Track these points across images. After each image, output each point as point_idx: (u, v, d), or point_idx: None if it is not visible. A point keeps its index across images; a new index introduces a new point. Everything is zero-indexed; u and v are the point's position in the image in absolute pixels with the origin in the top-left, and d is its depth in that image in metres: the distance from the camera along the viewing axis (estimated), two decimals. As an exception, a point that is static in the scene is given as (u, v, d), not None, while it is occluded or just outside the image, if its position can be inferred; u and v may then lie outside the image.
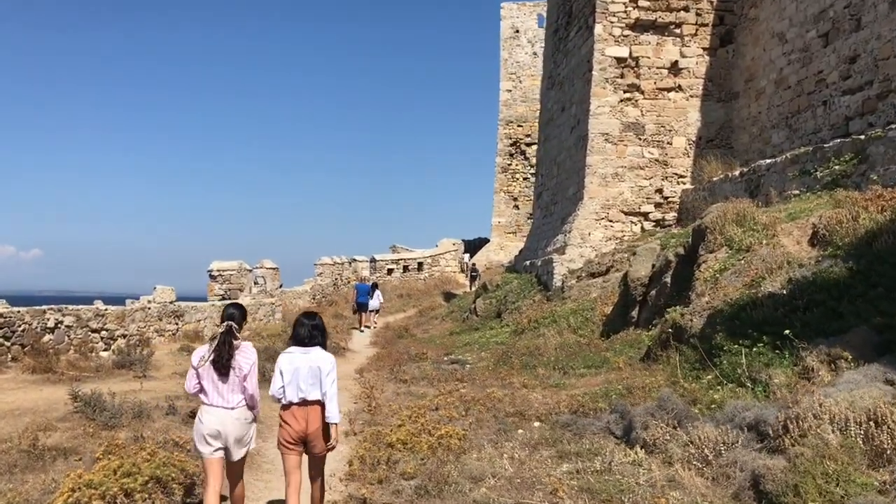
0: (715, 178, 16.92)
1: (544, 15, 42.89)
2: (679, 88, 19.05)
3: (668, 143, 19.03)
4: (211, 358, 5.11)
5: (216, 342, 5.16)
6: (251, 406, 5.24)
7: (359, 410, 10.22)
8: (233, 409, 5.12)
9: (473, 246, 46.14)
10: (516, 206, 41.96)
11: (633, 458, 6.82)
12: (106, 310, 15.15)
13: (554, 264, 18.39)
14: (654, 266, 14.20)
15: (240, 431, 5.17)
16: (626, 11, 18.95)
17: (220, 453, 5.15)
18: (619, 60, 18.97)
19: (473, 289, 39.34)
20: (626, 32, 18.98)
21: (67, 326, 13.92)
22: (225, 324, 5.23)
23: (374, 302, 24.19)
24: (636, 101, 18.99)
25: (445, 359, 15.46)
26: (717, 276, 11.12)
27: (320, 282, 31.00)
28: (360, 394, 11.17)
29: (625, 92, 18.98)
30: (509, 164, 42.17)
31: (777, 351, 8.07)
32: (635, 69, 19.00)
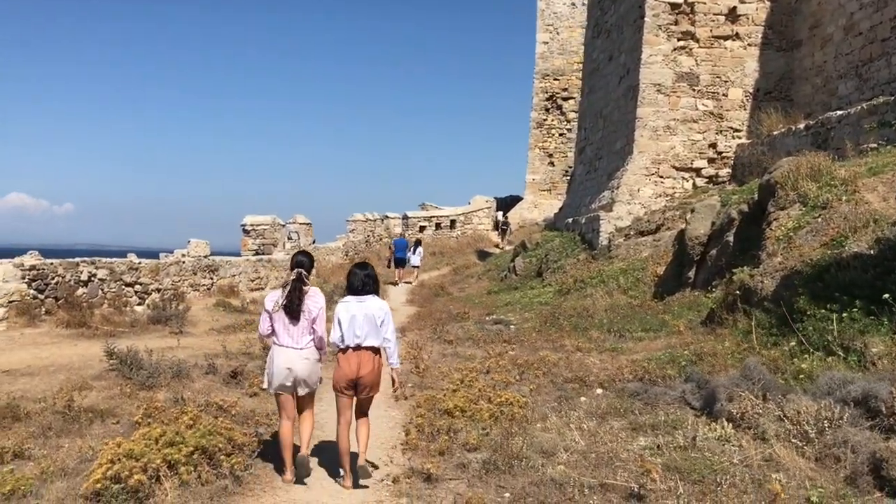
0: (776, 132, 15.92)
1: (584, -37, 41.38)
2: (736, 36, 17.92)
3: (723, 94, 17.98)
4: (283, 303, 5.44)
5: (288, 288, 5.47)
6: (319, 347, 5.61)
7: (406, 372, 9.68)
8: (302, 349, 5.48)
9: (506, 204, 45.24)
10: (551, 163, 40.92)
11: (719, 432, 6.15)
12: (139, 263, 14.74)
13: (601, 222, 17.60)
14: (713, 224, 13.37)
15: (307, 370, 5.53)
16: (682, -47, 17.76)
17: (291, 389, 5.55)
18: (674, 6, 17.85)
19: (504, 242, 38.76)
20: (682, -25, 17.80)
21: (101, 280, 13.53)
22: (296, 271, 5.55)
23: (416, 258, 24.17)
24: (690, 49, 17.91)
25: (488, 319, 14.85)
26: (791, 234, 10.28)
27: (353, 238, 30.50)
28: (406, 354, 10.63)
29: (678, 40, 17.90)
30: (545, 119, 40.99)
31: (872, 317, 7.32)
32: (690, 16, 17.88)
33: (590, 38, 23.74)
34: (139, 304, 14.46)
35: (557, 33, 41.37)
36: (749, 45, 17.92)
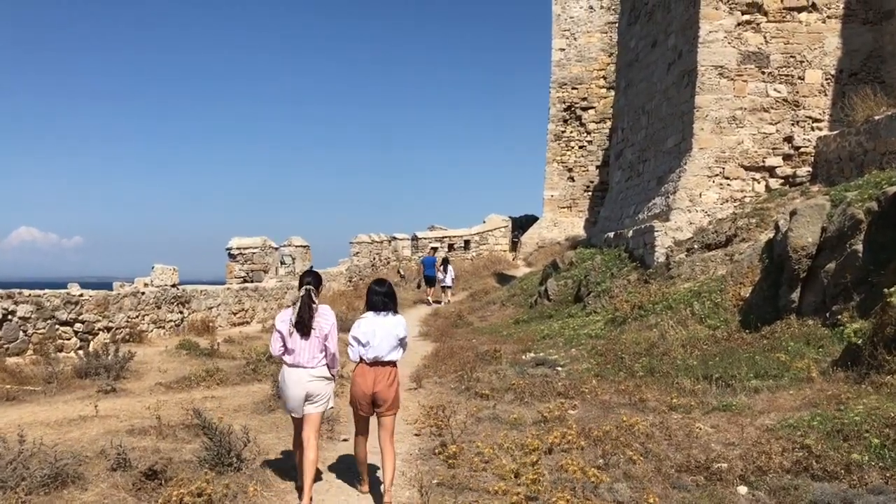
0: (878, 117, 12.71)
1: (601, -36, 38.58)
2: (813, 7, 14.80)
3: (799, 77, 14.82)
4: (294, 319, 5.42)
5: (298, 304, 5.48)
6: (331, 365, 5.56)
7: (427, 454, 6.46)
8: (313, 367, 5.46)
9: (521, 224, 42.12)
10: (571, 178, 37.70)
11: None
12: (81, 295, 11.55)
13: (655, 234, 14.39)
14: (823, 230, 10.14)
15: (318, 389, 5.48)
16: None
17: (303, 409, 5.45)
18: (737, -28, 14.77)
19: (515, 254, 35.52)
20: (745, -64, 14.75)
21: (22, 318, 10.35)
22: (304, 288, 5.55)
23: (448, 279, 23.37)
24: (758, 24, 14.80)
25: (526, 358, 11.62)
26: (984, 237, 7.10)
27: (357, 262, 27.34)
28: (424, 422, 7.40)
29: (743, 14, 14.80)
30: (563, 131, 37.86)
31: None
32: (756, -16, 14.78)
33: (625, 26, 20.69)
34: (80, 348, 11.29)
35: (575, 39, 38.44)
36: (829, 17, 14.78)
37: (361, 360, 5.51)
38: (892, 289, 7.59)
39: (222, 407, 8.06)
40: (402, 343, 5.67)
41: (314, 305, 5.51)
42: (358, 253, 27.64)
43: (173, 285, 14.25)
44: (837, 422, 6.11)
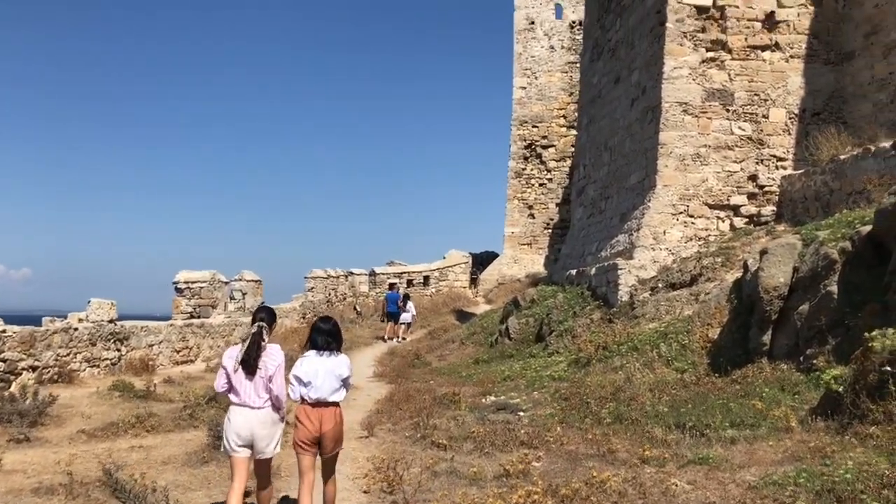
0: (844, 156, 12.55)
1: (563, 5, 38.90)
2: (776, 47, 14.75)
3: (763, 116, 14.69)
4: (241, 357, 5.21)
5: (248, 341, 5.26)
6: (277, 407, 5.33)
7: (374, 515, 5.75)
8: (259, 408, 5.23)
9: (481, 260, 41.71)
10: (531, 215, 37.51)
11: None
12: (3, 331, 10.59)
13: (619, 272, 13.96)
14: (795, 270, 9.78)
15: (265, 431, 5.25)
16: (707, -52, 14.68)
17: (246, 452, 5.25)
18: (700, 10, 14.67)
19: (474, 290, 35.00)
20: (709, -26, 14.69)
21: (-68, 357, 9.37)
22: (257, 324, 5.34)
23: (407, 315, 22.84)
24: (722, 62, 14.67)
25: (486, 401, 10.97)
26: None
27: (311, 297, 26.46)
28: (374, 477, 6.68)
29: (707, 51, 14.67)
30: (524, 169, 37.76)
31: None
32: (720, 21, 14.71)
33: (587, 62, 20.56)
34: (2, 389, 10.30)
35: (536, 78, 38.62)
36: (792, 56, 14.74)
37: (304, 400, 5.38)
38: (873, 333, 7.17)
39: (149, 459, 7.24)
40: (346, 383, 5.56)
41: (263, 343, 5.33)
42: (313, 288, 26.79)
43: (111, 321, 13.31)
44: (827, 479, 5.59)
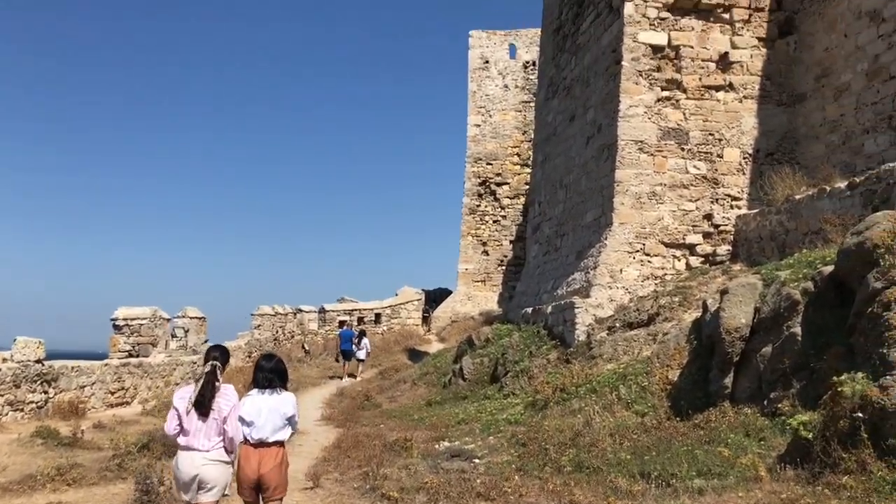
0: (799, 196, 12.55)
1: (517, 45, 39.34)
2: (730, 87, 14.84)
3: (717, 155, 14.70)
4: (194, 398, 5.08)
5: (201, 382, 5.16)
6: (229, 450, 5.19)
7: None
8: (207, 451, 5.08)
9: (434, 297, 41.33)
10: (485, 252, 37.32)
11: None
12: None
13: (576, 310, 13.66)
14: (758, 310, 9.57)
15: (212, 474, 5.11)
16: (662, -12, 14.78)
17: (199, 497, 5.10)
18: (656, 49, 14.71)
19: (427, 328, 34.52)
20: (664, 15, 14.78)
21: None
22: (210, 363, 5.25)
23: (362, 353, 22.31)
24: (677, 101, 14.69)
25: (440, 447, 10.43)
26: (940, 321, 6.54)
27: (258, 335, 25.57)
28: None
29: (662, 90, 14.68)
30: (478, 206, 37.68)
31: None
32: (675, 61, 14.76)
33: (542, 100, 20.53)
34: None
35: (490, 116, 38.79)
36: (745, 97, 14.85)
37: (246, 441, 5.27)
38: (842, 377, 6.92)
39: (67, 517, 6.52)
40: (292, 422, 5.44)
41: (218, 384, 5.21)
42: (260, 326, 25.93)
43: (38, 361, 12.42)
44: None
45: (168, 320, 19.76)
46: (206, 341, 20.46)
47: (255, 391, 5.42)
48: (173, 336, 19.22)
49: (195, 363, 18.13)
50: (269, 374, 5.47)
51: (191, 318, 20.31)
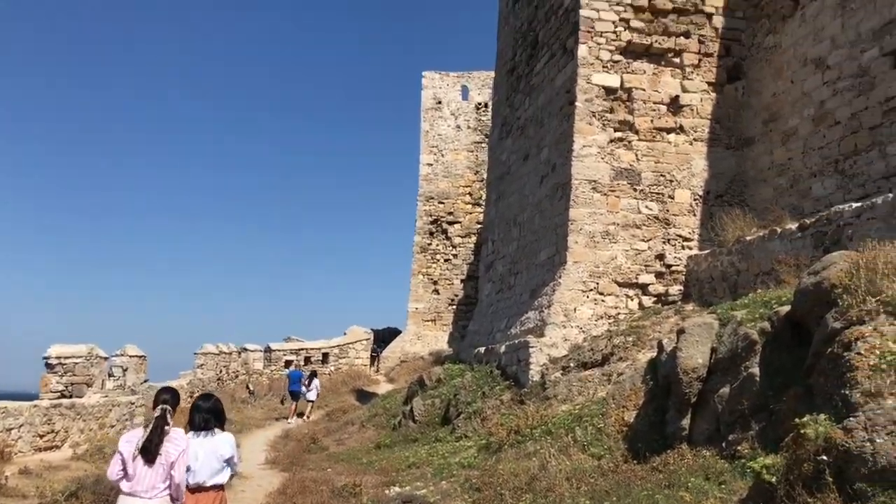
0: (750, 238, 12.67)
1: (469, 87, 39.79)
2: (681, 130, 15.05)
3: (669, 196, 14.83)
4: (141, 444, 4.92)
5: (150, 426, 5.01)
6: (175, 497, 5.06)
7: None
8: (150, 499, 4.95)
9: (383, 337, 40.85)
10: (436, 291, 37.12)
11: None
12: None
13: (530, 350, 13.46)
14: (714, 350, 9.49)
15: None
16: (615, 32, 15.01)
17: None
18: (609, 91, 14.86)
19: (374, 368, 34.02)
20: (617, 58, 14.98)
21: None
22: (160, 407, 5.11)
23: (312, 393, 22.24)
24: (629, 142, 14.82)
25: (390, 493, 10.00)
26: (900, 362, 6.48)
27: (201, 375, 24.68)
28: None
29: (615, 130, 14.79)
30: (429, 244, 37.57)
31: None
32: (627, 103, 14.92)
33: (496, 139, 20.58)
34: None
35: (442, 155, 38.99)
36: (695, 139, 15.07)
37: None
38: (804, 419, 6.80)
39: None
40: (230, 464, 5.35)
41: (167, 428, 5.04)
42: (203, 365, 25.05)
43: (-41, 401, 11.59)
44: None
45: (106, 359, 18.88)
46: (145, 381, 19.62)
47: (190, 433, 5.27)
48: (110, 375, 18.35)
49: (133, 404, 17.30)
50: (207, 414, 5.36)
51: (130, 356, 19.46)
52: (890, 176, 11.75)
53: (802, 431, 6.69)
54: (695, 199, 14.92)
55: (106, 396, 17.42)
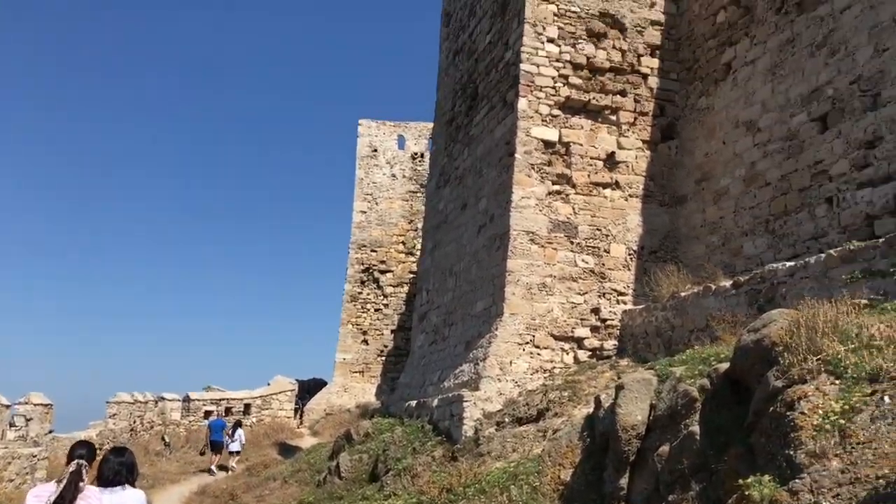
0: (684, 294, 12.72)
1: (405, 136, 39.87)
2: (616, 185, 15.20)
3: (605, 250, 14.86)
4: (53, 500, 4.72)
5: (63, 482, 4.80)
6: None
7: None
8: None
9: (308, 388, 39.67)
10: (365, 342, 36.36)
11: None
12: None
13: (464, 404, 13.07)
14: (653, 407, 9.32)
15: None
16: (555, 87, 15.16)
17: None
18: (548, 144, 14.93)
19: (298, 421, 32.97)
20: (556, 112, 15.10)
21: None
22: (75, 462, 4.93)
23: (236, 444, 21.93)
24: (567, 195, 14.86)
25: (314, 557, 9.35)
26: (844, 422, 6.39)
27: (113, 425, 23.24)
28: None
29: (553, 183, 14.82)
30: (360, 293, 36.94)
31: None
32: (565, 157, 15.01)
33: (433, 188, 20.43)
34: None
35: (376, 203, 38.71)
36: (631, 195, 15.23)
37: None
38: (749, 480, 6.61)
39: None
40: None
41: (82, 485, 4.87)
42: (116, 414, 23.62)
43: None
44: None
45: (8, 407, 17.52)
46: (50, 431, 18.28)
47: (97, 489, 5.02)
48: (12, 425, 17.02)
49: (35, 456, 16.04)
50: (118, 466, 5.16)
51: (35, 405, 18.11)
52: (819, 237, 12.02)
53: (747, 493, 6.49)
54: (629, 254, 14.99)
55: (6, 448, 16.12)
